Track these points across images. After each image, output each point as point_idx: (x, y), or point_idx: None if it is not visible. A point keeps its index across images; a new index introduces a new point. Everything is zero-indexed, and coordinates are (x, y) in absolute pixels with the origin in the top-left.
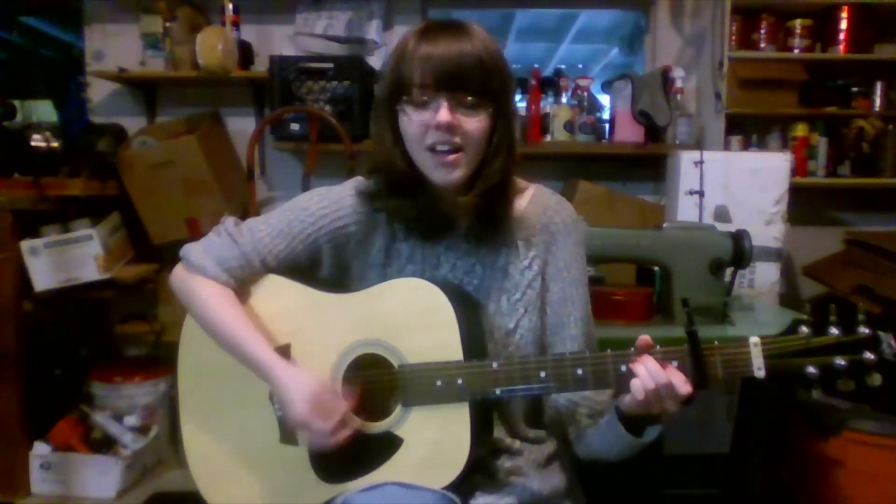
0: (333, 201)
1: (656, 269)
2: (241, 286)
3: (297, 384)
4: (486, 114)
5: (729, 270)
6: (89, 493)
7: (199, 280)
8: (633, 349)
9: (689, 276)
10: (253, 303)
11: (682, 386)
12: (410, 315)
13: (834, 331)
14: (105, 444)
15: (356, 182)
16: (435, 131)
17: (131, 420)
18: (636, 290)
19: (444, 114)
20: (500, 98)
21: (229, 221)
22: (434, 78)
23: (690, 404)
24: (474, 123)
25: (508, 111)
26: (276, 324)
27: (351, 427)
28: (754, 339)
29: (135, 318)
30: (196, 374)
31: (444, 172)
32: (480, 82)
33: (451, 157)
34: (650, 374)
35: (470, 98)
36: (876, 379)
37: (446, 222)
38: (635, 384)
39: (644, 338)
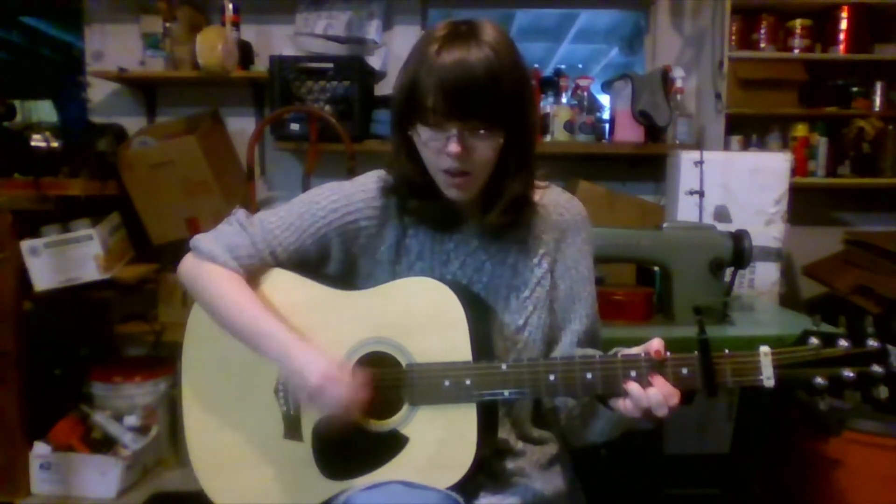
0: (345, 195)
1: (656, 269)
2: (250, 279)
3: (313, 359)
4: (496, 140)
5: (729, 270)
6: (89, 493)
7: (209, 267)
8: (643, 354)
9: (689, 276)
10: (262, 297)
11: (671, 398)
12: (420, 314)
13: (843, 343)
14: (105, 444)
15: (372, 177)
16: (447, 157)
17: (131, 420)
18: (636, 290)
19: (454, 146)
20: (515, 114)
21: (241, 213)
22: (446, 105)
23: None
24: (484, 149)
25: (526, 125)
26: (284, 319)
27: (362, 401)
28: (764, 349)
29: (135, 318)
30: (200, 369)
31: (455, 192)
32: (493, 108)
33: (459, 179)
34: (638, 398)
35: (482, 130)
36: (882, 392)
37: (460, 220)
38: (626, 405)
39: (656, 346)
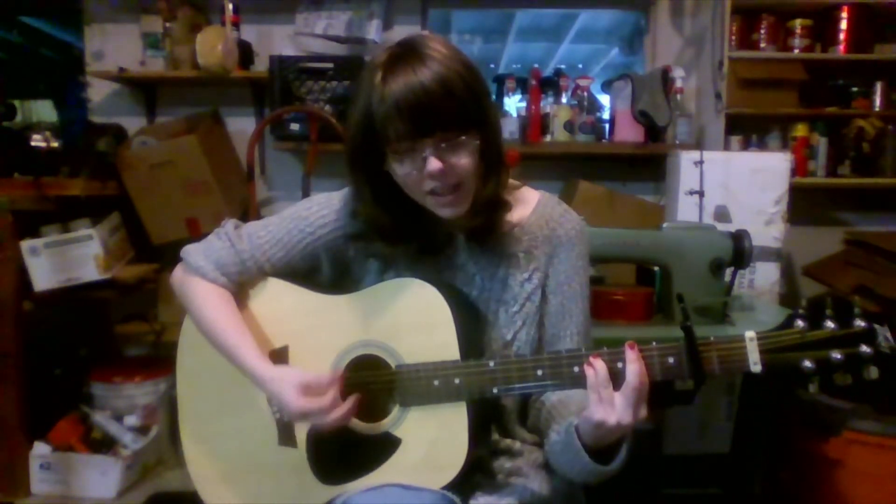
0: (334, 210)
1: (656, 269)
2: (240, 289)
3: (284, 380)
4: (473, 143)
5: (729, 270)
6: (89, 493)
7: (197, 282)
8: (626, 345)
9: (689, 276)
10: (251, 305)
11: (624, 411)
12: (407, 315)
13: (830, 324)
14: (105, 444)
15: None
16: (430, 179)
17: (131, 420)
18: (636, 290)
19: (433, 164)
20: (481, 118)
21: (230, 225)
22: (409, 128)
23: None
24: (464, 159)
25: (491, 126)
26: (274, 326)
27: (347, 404)
28: (750, 334)
29: (135, 318)
30: (194, 377)
31: (450, 210)
32: (457, 113)
33: (450, 197)
34: (599, 378)
35: (455, 138)
36: (873, 372)
37: (444, 238)
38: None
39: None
